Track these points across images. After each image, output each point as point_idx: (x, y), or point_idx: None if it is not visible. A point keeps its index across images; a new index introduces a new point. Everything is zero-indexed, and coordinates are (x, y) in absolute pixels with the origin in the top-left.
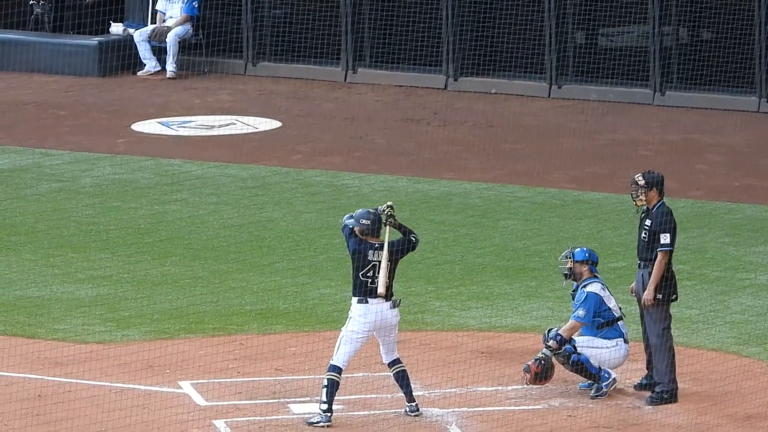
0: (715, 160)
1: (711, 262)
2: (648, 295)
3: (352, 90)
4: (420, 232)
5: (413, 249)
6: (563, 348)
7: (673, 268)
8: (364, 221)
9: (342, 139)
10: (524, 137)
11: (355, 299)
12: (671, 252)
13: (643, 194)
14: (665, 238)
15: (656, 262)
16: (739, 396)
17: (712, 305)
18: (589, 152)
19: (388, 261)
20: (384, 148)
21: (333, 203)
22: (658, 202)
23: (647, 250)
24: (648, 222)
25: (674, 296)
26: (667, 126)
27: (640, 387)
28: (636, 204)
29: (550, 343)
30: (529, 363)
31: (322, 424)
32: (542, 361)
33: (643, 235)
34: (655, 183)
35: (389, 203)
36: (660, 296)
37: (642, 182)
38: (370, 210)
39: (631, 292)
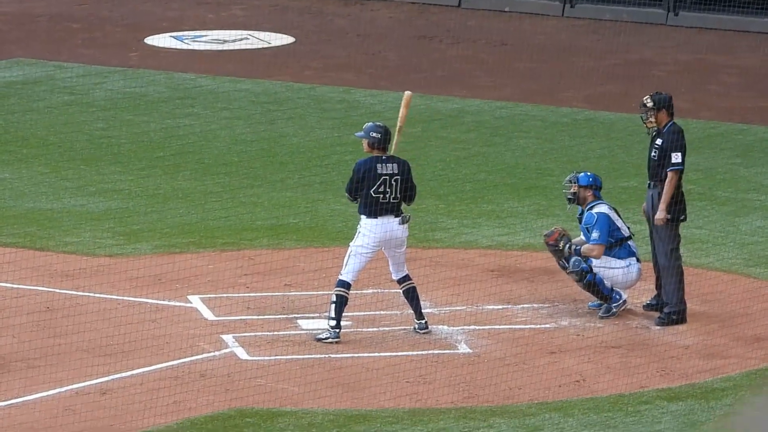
0: (727, 81)
1: (722, 183)
2: (659, 214)
3: (365, 6)
4: (431, 149)
5: (413, 194)
6: (580, 267)
7: (683, 189)
8: (374, 134)
9: (355, 55)
10: (537, 56)
11: (363, 215)
12: (682, 171)
13: (653, 115)
14: (676, 158)
15: (667, 181)
16: (747, 317)
17: (722, 226)
18: (601, 72)
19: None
20: (396, 65)
21: (345, 119)
22: (669, 122)
23: (658, 169)
24: (659, 141)
25: (683, 217)
26: (681, 46)
27: (648, 308)
28: (646, 126)
29: (571, 272)
30: (554, 231)
31: (330, 339)
32: (561, 248)
33: (653, 154)
34: (664, 103)
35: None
36: (669, 216)
37: (650, 104)
38: (379, 123)
39: (643, 213)
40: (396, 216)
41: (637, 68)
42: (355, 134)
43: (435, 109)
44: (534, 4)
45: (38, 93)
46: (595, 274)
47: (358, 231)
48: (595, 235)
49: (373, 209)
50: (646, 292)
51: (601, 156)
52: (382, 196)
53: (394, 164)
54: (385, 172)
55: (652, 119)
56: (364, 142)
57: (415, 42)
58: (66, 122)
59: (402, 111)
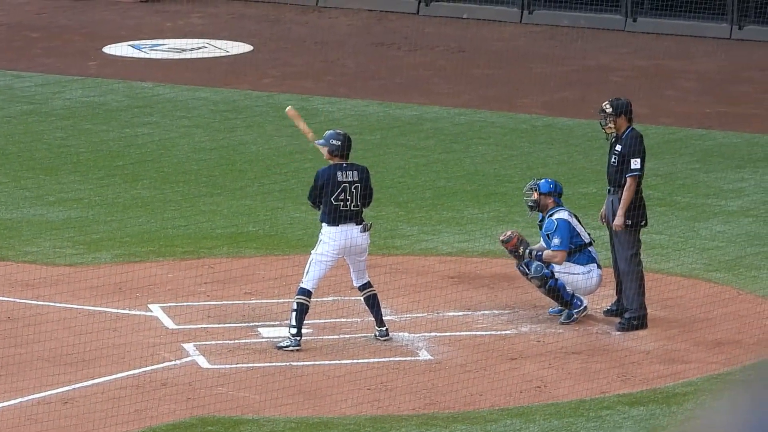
0: (686, 87)
1: (681, 189)
2: (618, 220)
3: (323, 14)
4: (390, 157)
5: (371, 199)
6: (542, 272)
7: (643, 194)
8: (333, 141)
9: (313, 63)
10: (495, 63)
11: (324, 223)
12: (641, 177)
13: (612, 121)
14: (635, 163)
15: (626, 187)
16: (707, 322)
17: (683, 231)
18: (559, 78)
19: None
20: (355, 73)
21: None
22: (628, 127)
23: (617, 175)
24: (618, 147)
25: (644, 222)
26: (638, 52)
27: (609, 313)
28: (605, 131)
29: (533, 278)
30: (512, 237)
31: (291, 347)
32: (521, 254)
33: (613, 160)
34: (623, 109)
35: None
36: (629, 222)
37: (609, 110)
38: (339, 131)
39: (601, 219)
40: (357, 224)
41: (595, 74)
42: (315, 142)
43: (393, 116)
44: (492, 11)
45: None
46: (556, 279)
47: (319, 239)
48: (556, 241)
49: (334, 217)
50: (607, 297)
51: (561, 162)
52: (342, 203)
53: (354, 171)
54: (345, 179)
55: (611, 125)
56: (324, 150)
57: (374, 49)
58: (25, 131)
59: (299, 126)
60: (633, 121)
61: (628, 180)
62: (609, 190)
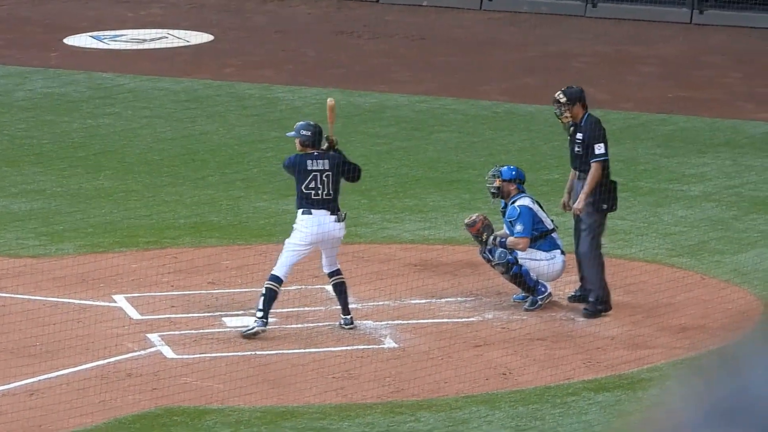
0: (647, 72)
1: (643, 174)
2: (578, 204)
3: (284, 3)
4: (353, 145)
5: (356, 173)
6: (506, 259)
7: (612, 178)
8: (304, 132)
9: (274, 52)
10: (456, 50)
11: (299, 211)
12: (606, 161)
13: (568, 110)
14: (599, 148)
15: (590, 172)
16: (671, 307)
17: (645, 217)
18: (521, 64)
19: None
20: (316, 61)
21: (266, 116)
22: (585, 114)
23: (583, 162)
24: (580, 135)
25: (613, 206)
26: (599, 38)
27: (574, 299)
28: (562, 122)
29: (497, 264)
30: (476, 221)
31: (257, 328)
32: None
33: (577, 149)
34: (577, 97)
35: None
36: (605, 206)
37: (563, 99)
38: (311, 122)
39: (563, 206)
40: (332, 213)
41: (556, 60)
42: (287, 134)
43: (355, 104)
44: None
45: None
46: (520, 266)
47: (293, 227)
48: (519, 228)
49: (306, 204)
50: (571, 283)
51: (522, 149)
52: (313, 192)
53: (325, 160)
54: (315, 168)
55: (567, 114)
56: (297, 141)
57: (334, 38)
58: None
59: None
60: (593, 107)
61: (593, 165)
62: (578, 176)
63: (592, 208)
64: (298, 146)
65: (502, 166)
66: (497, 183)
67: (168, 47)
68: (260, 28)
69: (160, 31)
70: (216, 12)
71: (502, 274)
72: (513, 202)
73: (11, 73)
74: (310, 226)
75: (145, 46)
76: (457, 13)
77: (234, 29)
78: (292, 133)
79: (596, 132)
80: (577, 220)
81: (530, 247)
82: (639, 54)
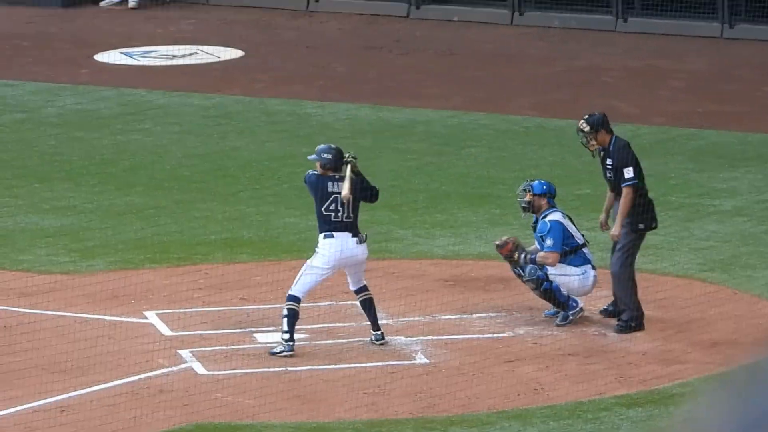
0: (677, 86)
1: (675, 189)
2: (614, 230)
3: (313, 18)
4: (383, 161)
5: (373, 195)
6: (536, 275)
7: (650, 197)
8: (325, 155)
9: (304, 67)
10: (486, 64)
11: (321, 235)
12: (638, 183)
13: (593, 138)
14: (628, 173)
15: (623, 197)
16: (703, 322)
17: (676, 231)
18: (551, 79)
19: (350, 189)
20: (346, 77)
21: (296, 132)
22: (611, 138)
23: (616, 186)
24: (609, 162)
25: (650, 225)
26: (629, 52)
27: (605, 313)
28: (590, 149)
29: (528, 280)
30: (507, 242)
31: (285, 353)
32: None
33: (609, 175)
34: (600, 124)
35: (353, 154)
36: (642, 226)
37: (587, 128)
38: (332, 145)
39: (601, 226)
40: (354, 235)
41: (586, 75)
42: (308, 157)
43: (385, 119)
44: (482, 13)
45: None
46: (551, 281)
47: (315, 251)
48: (549, 242)
49: (327, 227)
50: (603, 298)
51: (553, 163)
52: (333, 214)
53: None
54: (335, 190)
55: (593, 142)
56: (317, 164)
57: (364, 53)
58: (17, 140)
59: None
60: (624, 121)
61: (624, 190)
62: (615, 197)
63: (628, 228)
64: (318, 169)
65: (533, 181)
66: (528, 197)
67: (198, 63)
68: (290, 44)
69: (190, 47)
70: (246, 28)
71: (533, 290)
72: (544, 217)
73: (41, 89)
74: (333, 250)
75: (176, 62)
76: (488, 28)
77: (264, 45)
78: (313, 156)
79: (624, 156)
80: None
81: (561, 262)
82: (669, 68)
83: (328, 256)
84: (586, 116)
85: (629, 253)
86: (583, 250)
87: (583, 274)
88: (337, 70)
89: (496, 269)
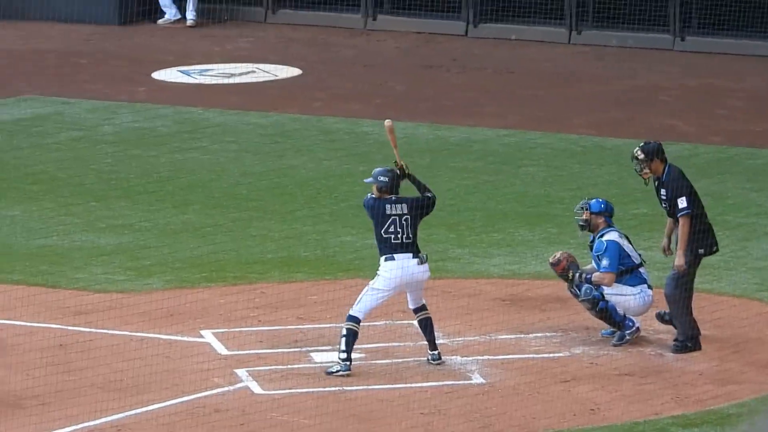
0: (735, 105)
1: (732, 208)
2: (678, 260)
3: (371, 37)
4: (440, 179)
5: (432, 206)
6: (591, 294)
7: (707, 219)
8: (382, 178)
9: (361, 85)
10: (544, 83)
11: (382, 258)
12: (693, 211)
13: (647, 166)
14: (682, 203)
15: (680, 227)
16: (761, 343)
17: (734, 251)
18: (608, 98)
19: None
20: (404, 95)
21: (353, 150)
22: (665, 167)
23: (673, 214)
24: (664, 192)
25: (711, 250)
26: (687, 71)
27: (660, 318)
28: (643, 177)
29: (583, 300)
30: (561, 260)
31: (341, 372)
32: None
33: (664, 205)
34: (655, 153)
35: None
36: (702, 251)
37: (642, 156)
38: (388, 168)
39: (663, 251)
40: (414, 256)
41: (644, 94)
42: (365, 180)
43: (442, 138)
44: (540, 32)
45: (47, 129)
46: (607, 301)
47: (377, 273)
48: (605, 263)
49: (388, 250)
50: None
51: (610, 182)
52: (393, 236)
53: (403, 204)
54: (394, 212)
55: (647, 170)
56: (374, 188)
57: (422, 71)
58: (75, 158)
59: (391, 138)
60: (683, 139)
61: (680, 220)
62: (675, 222)
63: (688, 252)
64: (375, 192)
65: (591, 199)
66: (585, 215)
67: (256, 81)
68: (348, 62)
69: (247, 65)
70: (304, 46)
71: (589, 310)
72: (601, 236)
73: (98, 107)
74: (395, 272)
75: (233, 80)
76: (545, 47)
77: (322, 63)
78: (370, 179)
79: (678, 187)
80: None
81: (617, 282)
82: (727, 87)
83: (389, 279)
84: (642, 144)
85: (684, 276)
86: (640, 270)
87: (639, 293)
88: (395, 89)
89: (553, 288)
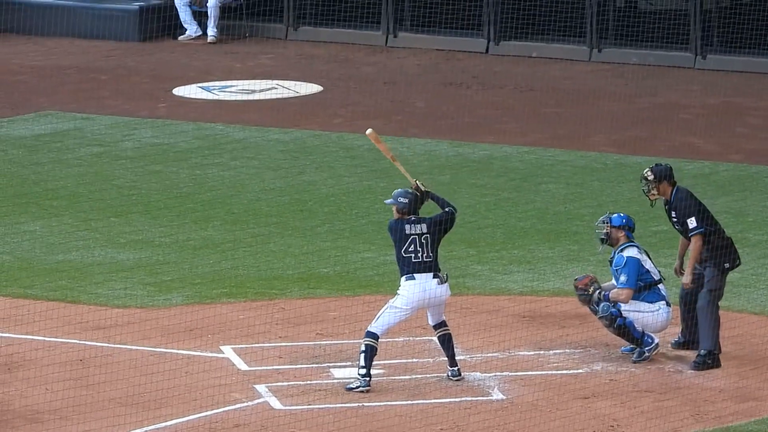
0: (755, 123)
1: (753, 226)
2: (686, 278)
3: (392, 54)
4: (461, 196)
5: (452, 220)
6: (609, 311)
7: (725, 235)
8: (401, 199)
9: (382, 102)
10: (564, 101)
11: (403, 277)
12: (705, 230)
13: (655, 188)
14: (692, 223)
15: (691, 245)
16: None
17: (754, 269)
18: (629, 116)
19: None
20: (424, 112)
21: (373, 167)
22: (673, 190)
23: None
24: (674, 214)
25: (735, 263)
26: (708, 89)
27: (677, 345)
28: (650, 198)
29: (601, 317)
30: (586, 277)
31: (361, 388)
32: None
33: (676, 227)
34: (664, 175)
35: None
36: (727, 265)
37: (651, 177)
38: (408, 189)
39: (675, 272)
40: (435, 276)
41: (665, 112)
42: (385, 201)
43: (463, 155)
44: (561, 50)
45: (67, 145)
46: (624, 318)
47: (398, 292)
48: (623, 278)
49: (408, 269)
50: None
51: (631, 200)
52: (413, 255)
53: (423, 224)
54: (413, 232)
55: (655, 191)
56: (394, 209)
57: (442, 88)
58: (95, 174)
59: (380, 147)
60: (697, 160)
61: (692, 239)
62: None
63: (714, 268)
64: (395, 214)
65: (613, 214)
66: (606, 229)
67: (277, 98)
68: (369, 79)
69: (269, 81)
70: (324, 63)
71: (607, 327)
72: (621, 251)
73: (119, 123)
74: (415, 292)
75: (254, 96)
76: (566, 65)
77: (343, 80)
78: (390, 200)
79: (685, 207)
80: (700, 276)
81: (635, 298)
82: (748, 105)
83: (409, 298)
84: (653, 165)
85: (717, 293)
86: (659, 286)
87: (657, 310)
88: (416, 106)
89: (573, 305)
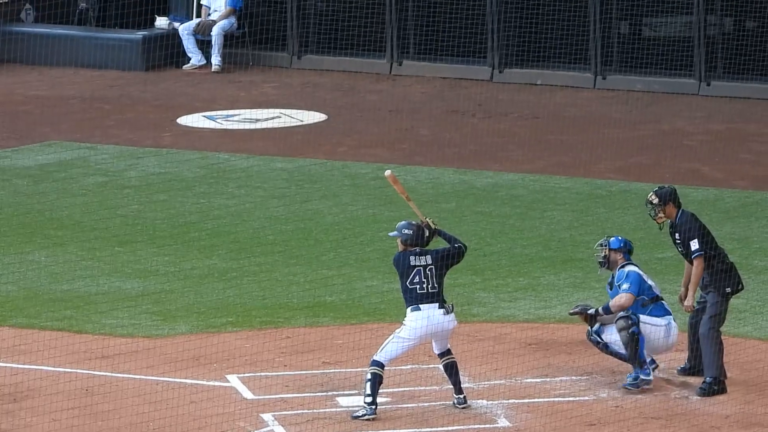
0: (760, 150)
1: (758, 252)
2: (687, 301)
3: (397, 82)
4: (466, 224)
5: (460, 256)
6: (629, 319)
7: (728, 260)
8: (406, 231)
9: (387, 131)
10: (569, 128)
11: (408, 308)
12: (706, 253)
13: (661, 211)
14: (694, 245)
15: (693, 268)
16: None
17: (759, 295)
18: (633, 142)
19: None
20: (429, 140)
21: (379, 195)
22: (678, 212)
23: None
24: (678, 236)
25: (737, 288)
26: (712, 116)
27: (683, 371)
28: (657, 222)
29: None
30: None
31: (367, 416)
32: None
33: (680, 249)
34: (669, 197)
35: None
36: (728, 290)
37: (656, 200)
38: (412, 221)
39: (680, 299)
40: (440, 306)
41: (669, 138)
42: (389, 234)
43: (468, 183)
44: (565, 77)
45: (72, 175)
46: (640, 331)
47: (403, 323)
48: (625, 286)
49: (414, 300)
50: (682, 359)
51: (636, 227)
52: (418, 286)
53: (428, 256)
54: (418, 263)
55: (662, 214)
56: (398, 241)
57: (447, 116)
58: (100, 203)
59: (396, 188)
60: (705, 184)
61: (694, 262)
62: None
63: (716, 292)
64: (400, 246)
65: (611, 237)
66: (605, 252)
67: (281, 127)
68: (373, 107)
69: (273, 110)
70: (329, 91)
71: (620, 331)
72: (621, 267)
73: (123, 152)
74: (420, 322)
75: (259, 125)
76: (571, 92)
77: (347, 108)
78: (395, 233)
79: (688, 230)
80: (701, 302)
81: (644, 314)
82: (752, 131)
83: (415, 329)
84: (656, 189)
85: (718, 318)
86: (662, 301)
87: (667, 324)
88: (421, 134)
89: (579, 333)
